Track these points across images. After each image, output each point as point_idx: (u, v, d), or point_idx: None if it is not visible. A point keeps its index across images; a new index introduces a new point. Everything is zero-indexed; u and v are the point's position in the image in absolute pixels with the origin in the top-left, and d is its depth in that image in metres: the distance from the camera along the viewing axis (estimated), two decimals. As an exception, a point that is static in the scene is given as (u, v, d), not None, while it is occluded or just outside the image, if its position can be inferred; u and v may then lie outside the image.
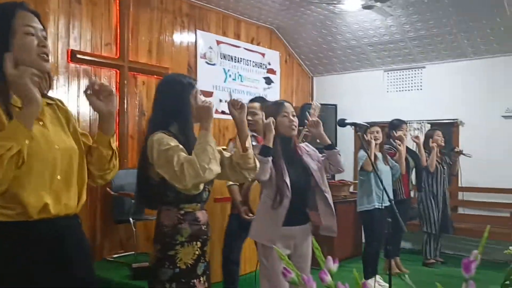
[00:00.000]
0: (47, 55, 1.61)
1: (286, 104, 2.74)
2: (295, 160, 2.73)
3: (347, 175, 6.93)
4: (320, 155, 2.90)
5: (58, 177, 1.60)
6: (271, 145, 2.55)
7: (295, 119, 2.71)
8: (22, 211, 1.52)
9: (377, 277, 4.69)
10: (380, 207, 4.48)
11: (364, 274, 4.70)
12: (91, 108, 1.73)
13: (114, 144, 1.79)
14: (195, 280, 2.06)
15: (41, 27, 1.63)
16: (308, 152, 2.81)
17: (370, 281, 4.52)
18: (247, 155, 2.15)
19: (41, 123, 1.60)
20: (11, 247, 1.52)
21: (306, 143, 2.93)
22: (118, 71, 4.91)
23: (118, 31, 4.93)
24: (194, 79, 2.25)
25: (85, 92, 1.69)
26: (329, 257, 0.92)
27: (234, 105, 2.13)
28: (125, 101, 4.92)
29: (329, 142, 2.86)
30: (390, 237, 4.38)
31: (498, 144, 5.87)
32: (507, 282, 2.30)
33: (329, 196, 2.76)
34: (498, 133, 5.90)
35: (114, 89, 1.75)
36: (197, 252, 2.07)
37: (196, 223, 2.08)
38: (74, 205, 1.67)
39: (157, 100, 2.19)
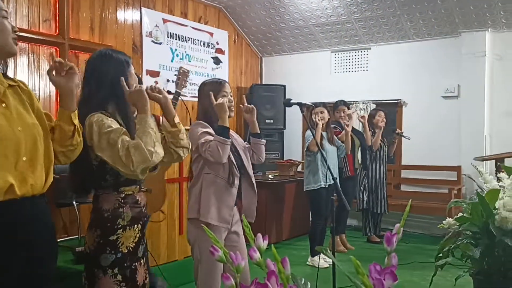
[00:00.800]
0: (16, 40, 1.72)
1: (226, 84, 2.71)
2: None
3: (295, 154, 7.04)
4: (246, 143, 2.90)
5: (24, 158, 1.62)
6: (228, 125, 2.52)
7: (233, 100, 2.69)
8: None
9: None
10: (325, 186, 4.59)
11: (311, 251, 4.83)
12: (47, 85, 1.80)
13: (76, 120, 1.80)
14: (136, 263, 2.02)
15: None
16: (235, 138, 2.80)
17: (316, 258, 4.65)
18: (178, 130, 2.13)
19: (3, 105, 1.63)
20: None
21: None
22: (58, 49, 4.68)
23: (57, 6, 4.69)
24: (129, 56, 2.16)
25: (48, 72, 1.76)
26: (259, 235, 0.92)
27: (153, 90, 2.09)
28: (66, 81, 4.73)
29: (258, 131, 2.85)
30: (334, 215, 4.52)
31: (438, 123, 6.12)
32: (440, 254, 2.41)
33: (254, 181, 2.76)
34: (438, 113, 6.14)
35: (75, 66, 1.78)
36: (138, 235, 2.04)
37: (136, 206, 2.04)
38: (41, 185, 1.70)
39: (92, 77, 2.04)
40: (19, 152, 1.61)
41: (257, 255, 0.88)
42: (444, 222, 2.44)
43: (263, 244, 0.92)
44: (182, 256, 4.15)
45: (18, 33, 1.72)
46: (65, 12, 4.70)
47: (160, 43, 5.87)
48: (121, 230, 1.98)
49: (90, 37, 5.02)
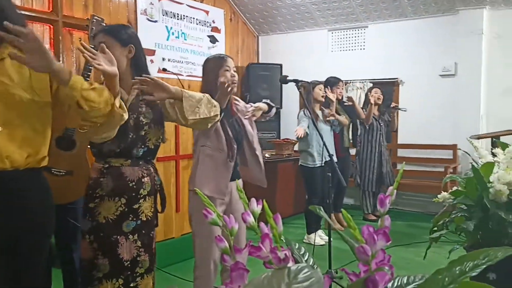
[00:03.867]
0: None
1: (229, 58, 2.68)
2: (231, 117, 2.71)
3: (292, 133, 6.99)
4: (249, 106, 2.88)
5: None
6: (224, 107, 2.41)
7: (236, 75, 2.67)
8: None
9: (319, 231, 4.85)
10: (321, 164, 4.63)
11: (307, 229, 4.86)
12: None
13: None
14: (118, 237, 2.04)
15: None
16: (240, 106, 2.79)
17: (312, 235, 4.69)
18: None
19: None
20: None
21: (237, 98, 2.88)
22: (51, 27, 4.62)
23: (50, -18, 4.63)
24: None
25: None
26: (253, 199, 0.92)
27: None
28: (61, 59, 4.68)
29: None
30: (331, 192, 4.55)
31: (435, 102, 6.11)
32: (435, 228, 2.42)
33: (259, 153, 2.79)
34: (435, 92, 6.12)
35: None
36: (120, 208, 2.05)
37: (120, 179, 2.06)
38: (22, 158, 1.57)
39: None
40: None
41: (250, 219, 0.88)
42: (439, 196, 2.45)
43: (257, 208, 0.91)
44: (179, 233, 4.17)
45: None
46: (58, -12, 4.63)
47: (156, 21, 5.80)
48: (99, 199, 2.05)
49: (84, 14, 4.94)
